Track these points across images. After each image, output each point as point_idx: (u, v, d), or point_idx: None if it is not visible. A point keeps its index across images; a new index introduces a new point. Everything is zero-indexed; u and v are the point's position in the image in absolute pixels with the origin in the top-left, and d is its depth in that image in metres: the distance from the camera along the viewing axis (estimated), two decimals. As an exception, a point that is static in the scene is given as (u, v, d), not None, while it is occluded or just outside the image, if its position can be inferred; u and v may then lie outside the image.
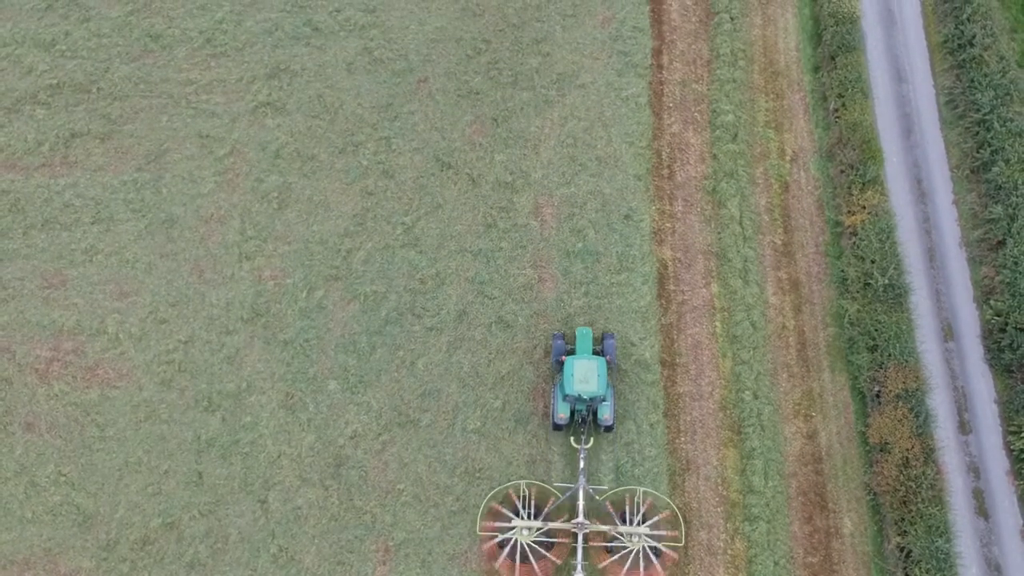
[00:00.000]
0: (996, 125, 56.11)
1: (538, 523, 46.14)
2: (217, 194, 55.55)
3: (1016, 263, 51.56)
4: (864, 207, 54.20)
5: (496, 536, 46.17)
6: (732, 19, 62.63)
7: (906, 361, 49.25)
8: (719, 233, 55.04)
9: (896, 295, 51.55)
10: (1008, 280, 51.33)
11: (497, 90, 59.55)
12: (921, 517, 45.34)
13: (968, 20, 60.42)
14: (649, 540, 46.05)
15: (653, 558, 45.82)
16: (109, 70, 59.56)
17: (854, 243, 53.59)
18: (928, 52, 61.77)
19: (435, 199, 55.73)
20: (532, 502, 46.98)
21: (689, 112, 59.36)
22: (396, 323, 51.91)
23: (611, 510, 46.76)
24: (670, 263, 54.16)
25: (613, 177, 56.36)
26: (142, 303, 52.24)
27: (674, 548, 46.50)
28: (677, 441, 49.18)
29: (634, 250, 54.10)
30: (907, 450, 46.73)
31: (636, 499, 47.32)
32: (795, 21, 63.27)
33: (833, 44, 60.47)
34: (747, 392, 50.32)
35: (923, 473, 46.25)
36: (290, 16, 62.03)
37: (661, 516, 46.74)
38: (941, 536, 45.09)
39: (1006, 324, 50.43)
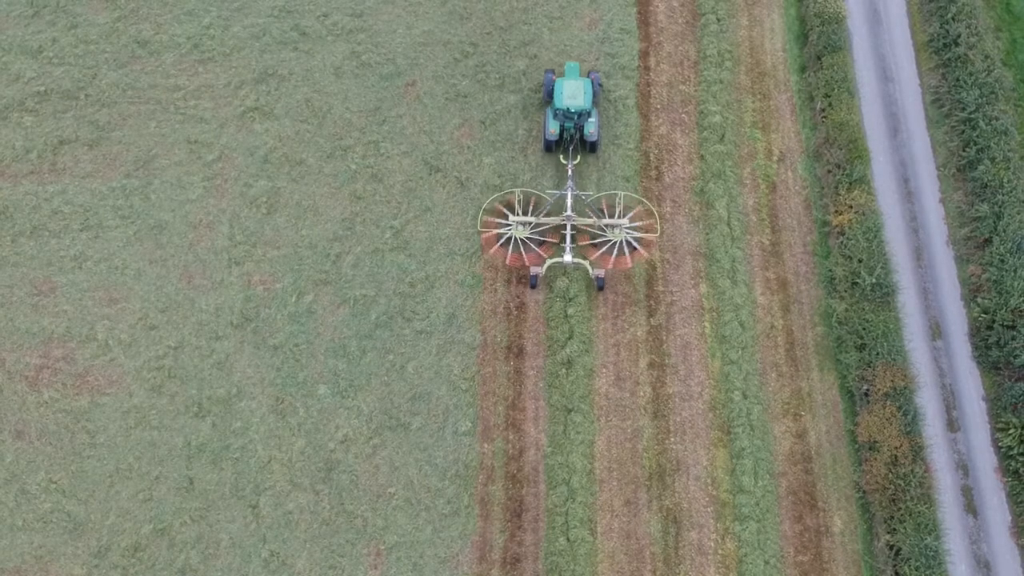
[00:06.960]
0: (982, 123, 56.35)
1: (531, 218, 53.27)
2: (206, 200, 55.56)
3: (1002, 261, 51.82)
4: (851, 206, 54.40)
5: (500, 246, 53.23)
6: (719, 20, 62.74)
7: (894, 360, 49.45)
8: (707, 234, 55.17)
9: (884, 294, 51.76)
10: (995, 278, 51.58)
11: (485, 93, 59.63)
12: (910, 515, 45.54)
13: (953, 19, 60.63)
14: (628, 234, 53.31)
15: (627, 252, 52.69)
16: (97, 77, 59.52)
17: (841, 242, 53.80)
18: (914, 51, 62.00)
19: (424, 202, 55.81)
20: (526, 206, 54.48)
21: (676, 113, 59.52)
22: (386, 327, 51.97)
23: (602, 207, 54.24)
24: (658, 264, 54.28)
25: (601, 179, 56.46)
26: (132, 309, 52.24)
27: (648, 245, 53.59)
28: (667, 442, 49.33)
29: (623, 251, 54.26)
30: (896, 448, 46.93)
31: (619, 201, 54.18)
32: (781, 22, 63.45)
33: (819, 44, 60.65)
34: (736, 392, 50.47)
35: (912, 471, 46.46)
36: (277, 21, 62.02)
37: (645, 223, 53.76)
38: (930, 534, 45.29)
39: (993, 322, 50.67)
